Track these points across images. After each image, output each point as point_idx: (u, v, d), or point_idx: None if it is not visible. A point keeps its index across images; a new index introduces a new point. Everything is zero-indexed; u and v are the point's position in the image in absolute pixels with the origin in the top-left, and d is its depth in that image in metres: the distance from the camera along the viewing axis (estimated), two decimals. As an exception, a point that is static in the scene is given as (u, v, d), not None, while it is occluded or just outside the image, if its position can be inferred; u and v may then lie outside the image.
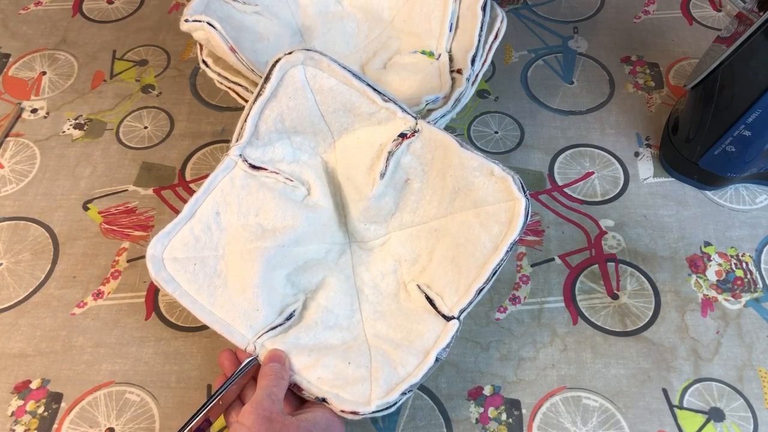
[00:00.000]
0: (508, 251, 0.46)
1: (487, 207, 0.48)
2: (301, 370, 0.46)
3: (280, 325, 0.48)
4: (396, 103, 0.51)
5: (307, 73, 0.50)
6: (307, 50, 0.49)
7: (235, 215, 0.50)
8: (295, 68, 0.50)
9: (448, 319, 0.47)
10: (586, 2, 0.79)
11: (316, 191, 0.54)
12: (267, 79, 0.50)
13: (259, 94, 0.50)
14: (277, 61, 0.49)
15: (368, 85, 0.50)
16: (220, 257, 0.49)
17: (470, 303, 0.46)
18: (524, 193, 0.47)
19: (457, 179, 0.49)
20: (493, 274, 0.46)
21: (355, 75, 0.50)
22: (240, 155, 0.51)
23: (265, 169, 0.52)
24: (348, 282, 0.53)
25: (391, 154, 0.51)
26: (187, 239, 0.49)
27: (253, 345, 0.47)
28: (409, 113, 0.51)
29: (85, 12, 0.80)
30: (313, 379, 0.45)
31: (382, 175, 0.52)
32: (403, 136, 0.51)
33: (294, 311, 0.49)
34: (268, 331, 0.48)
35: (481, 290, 0.46)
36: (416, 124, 0.51)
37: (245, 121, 0.51)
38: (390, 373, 0.45)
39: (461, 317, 0.46)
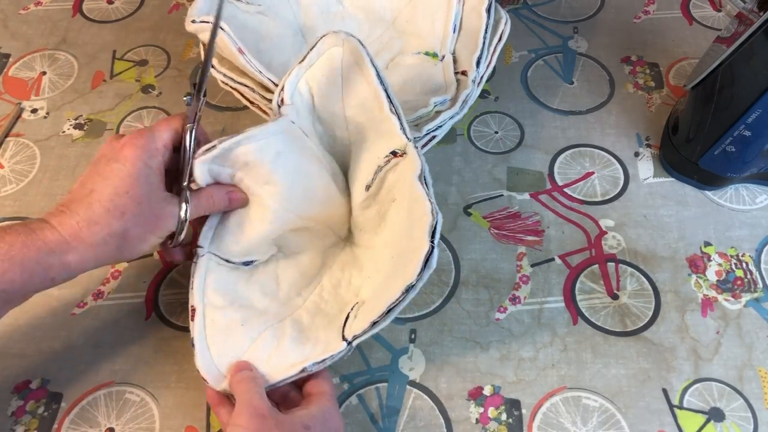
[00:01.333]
0: (403, 292, 0.43)
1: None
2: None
3: (232, 263, 0.50)
4: (398, 118, 0.50)
5: (344, 59, 0.51)
6: (350, 36, 0.50)
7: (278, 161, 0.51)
8: (336, 48, 0.51)
9: (343, 338, 0.46)
10: (586, 2, 0.79)
11: (339, 178, 0.55)
12: (312, 48, 0.51)
13: (302, 60, 0.51)
14: (324, 36, 0.51)
15: (384, 88, 0.50)
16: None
17: (364, 332, 0.45)
18: (431, 239, 0.44)
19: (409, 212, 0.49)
20: (388, 312, 0.44)
21: (378, 74, 0.50)
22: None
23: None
24: (316, 270, 0.54)
25: (379, 168, 0.51)
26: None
27: (202, 255, 0.49)
28: (405, 132, 0.50)
29: (85, 12, 0.80)
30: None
31: (368, 188, 0.52)
32: (394, 153, 0.50)
33: (255, 261, 0.51)
34: (219, 258, 0.50)
35: (375, 323, 0.44)
36: (405, 146, 0.50)
37: (282, 87, 0.51)
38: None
39: (353, 342, 0.45)
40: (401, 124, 0.50)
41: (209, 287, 0.49)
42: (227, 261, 0.50)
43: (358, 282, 0.52)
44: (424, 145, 0.55)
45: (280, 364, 0.46)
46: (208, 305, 0.48)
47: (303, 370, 0.45)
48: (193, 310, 0.48)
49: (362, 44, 0.50)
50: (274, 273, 0.53)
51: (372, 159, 0.52)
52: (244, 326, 0.48)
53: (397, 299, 0.43)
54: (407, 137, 0.50)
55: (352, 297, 0.51)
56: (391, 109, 0.50)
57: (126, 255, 0.45)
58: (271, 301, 0.51)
